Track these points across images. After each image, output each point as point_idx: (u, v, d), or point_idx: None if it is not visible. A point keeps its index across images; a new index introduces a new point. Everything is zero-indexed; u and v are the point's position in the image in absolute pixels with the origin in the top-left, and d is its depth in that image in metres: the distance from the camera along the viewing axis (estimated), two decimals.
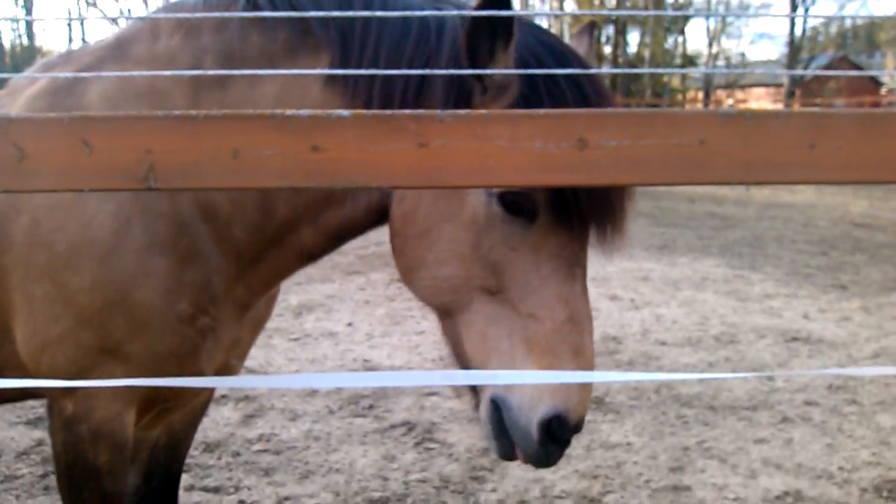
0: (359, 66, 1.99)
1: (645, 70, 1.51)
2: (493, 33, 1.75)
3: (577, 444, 4.87)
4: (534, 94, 1.86)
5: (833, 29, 55.79)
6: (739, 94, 55.52)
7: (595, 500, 4.26)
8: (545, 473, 4.48)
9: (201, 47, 2.13)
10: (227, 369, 2.47)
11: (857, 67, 53.26)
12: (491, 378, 1.90)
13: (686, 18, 52.15)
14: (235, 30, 2.12)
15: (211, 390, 2.77)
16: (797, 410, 5.34)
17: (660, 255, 11.13)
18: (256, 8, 2.09)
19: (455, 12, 1.97)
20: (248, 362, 6.14)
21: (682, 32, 51.82)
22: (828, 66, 51.76)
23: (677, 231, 13.59)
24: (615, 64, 51.42)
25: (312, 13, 2.00)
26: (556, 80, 1.85)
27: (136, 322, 2.10)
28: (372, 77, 1.97)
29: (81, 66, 2.18)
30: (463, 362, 2.00)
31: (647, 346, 6.69)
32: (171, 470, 2.75)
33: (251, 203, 2.11)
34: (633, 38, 52.99)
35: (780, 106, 44.59)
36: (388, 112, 1.33)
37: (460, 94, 1.91)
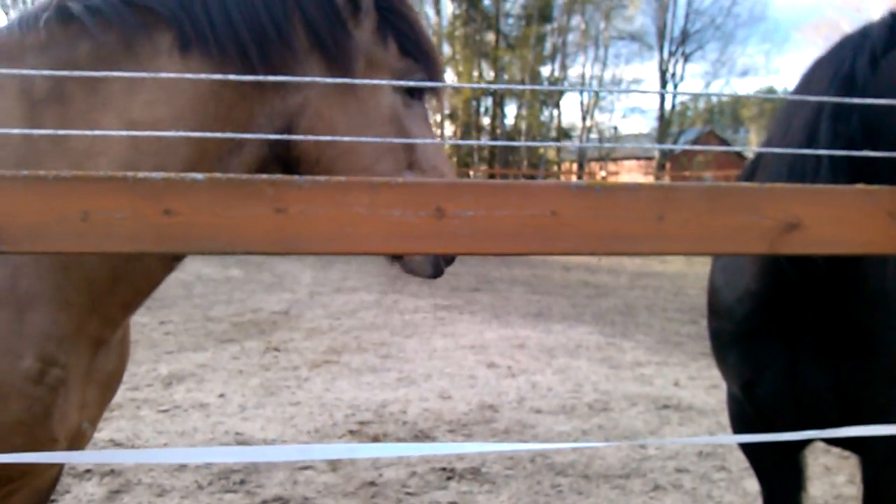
0: (210, 27, 2.03)
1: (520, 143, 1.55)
2: None
3: None
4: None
5: (701, 104, 58.75)
6: (612, 167, 57.56)
7: None
8: None
9: (28, 68, 1.97)
10: (79, 436, 2.23)
11: (724, 142, 56.19)
12: (350, 452, 1.92)
13: (561, 93, 54.02)
14: (61, 45, 2.01)
15: (60, 465, 2.52)
16: (669, 478, 5.45)
17: (536, 322, 11.31)
18: (68, 17, 2.03)
19: None
20: (115, 434, 5.88)
21: (557, 106, 53.60)
22: (696, 141, 54.31)
23: (552, 299, 13.86)
24: (493, 135, 52.62)
25: None
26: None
27: None
28: (223, 28, 2.04)
29: None
30: None
31: (523, 413, 6.75)
32: None
33: None
34: (511, 110, 54.48)
35: (650, 178, 46.47)
36: (245, 176, 1.32)
37: (328, 19, 2.14)
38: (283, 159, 2.14)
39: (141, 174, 1.29)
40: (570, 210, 1.40)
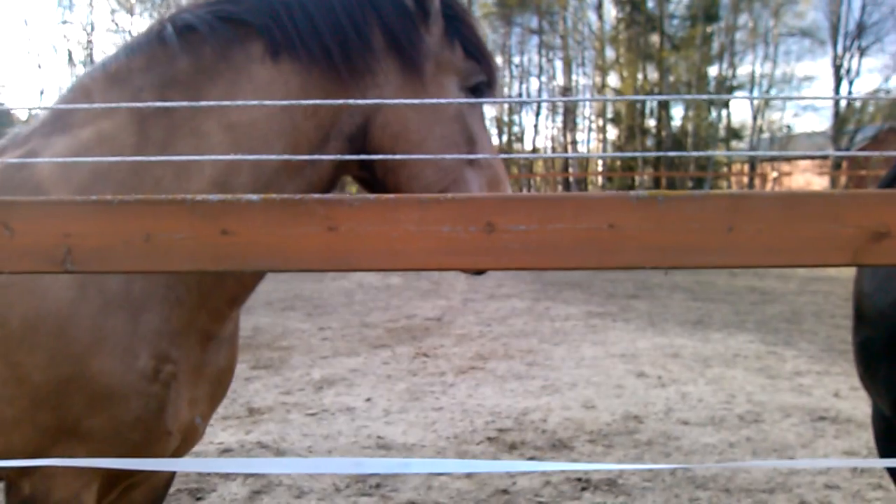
0: (297, 33, 2.18)
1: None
2: None
3: None
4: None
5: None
6: (785, 167, 55.09)
7: None
8: None
9: (136, 88, 2.17)
10: (192, 430, 2.36)
11: None
12: (477, 467, 1.93)
13: (730, 91, 52.23)
14: (162, 63, 2.18)
15: None
16: (817, 494, 5.14)
17: (693, 330, 10.96)
18: (165, 38, 2.20)
19: None
20: (263, 437, 6.12)
21: (726, 105, 51.85)
22: (875, 138, 51.17)
23: (714, 306, 13.39)
24: (658, 138, 51.55)
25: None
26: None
27: (96, 395, 2.01)
28: (308, 33, 2.19)
29: (31, 149, 2.17)
30: None
31: (669, 425, 6.55)
32: None
33: None
34: (677, 111, 53.17)
35: (825, 178, 44.16)
36: (297, 196, 1.34)
37: (405, 34, 2.25)
38: (362, 152, 2.27)
39: (199, 196, 1.34)
40: (630, 222, 1.36)
